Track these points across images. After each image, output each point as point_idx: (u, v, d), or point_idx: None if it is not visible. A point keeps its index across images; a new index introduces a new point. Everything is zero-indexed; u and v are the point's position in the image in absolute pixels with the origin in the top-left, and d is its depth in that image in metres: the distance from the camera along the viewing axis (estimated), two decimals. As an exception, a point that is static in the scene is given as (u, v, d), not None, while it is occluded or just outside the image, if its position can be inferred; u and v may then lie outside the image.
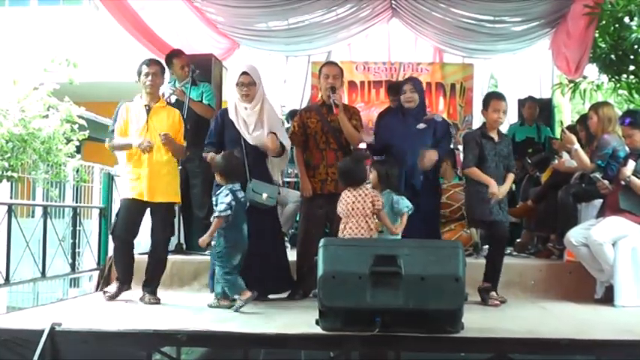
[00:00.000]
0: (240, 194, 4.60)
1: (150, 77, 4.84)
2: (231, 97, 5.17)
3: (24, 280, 5.70)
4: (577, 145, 5.42)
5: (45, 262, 5.49)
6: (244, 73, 4.97)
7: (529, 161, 7.15)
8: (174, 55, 6.39)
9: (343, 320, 3.60)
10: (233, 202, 4.50)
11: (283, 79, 9.50)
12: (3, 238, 5.15)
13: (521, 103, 7.98)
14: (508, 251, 6.46)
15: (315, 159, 5.17)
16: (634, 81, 7.11)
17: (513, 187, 7.36)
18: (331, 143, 5.16)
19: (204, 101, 6.19)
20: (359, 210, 4.38)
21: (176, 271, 5.57)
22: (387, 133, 5.26)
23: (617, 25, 6.81)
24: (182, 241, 6.14)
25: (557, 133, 7.48)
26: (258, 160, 4.98)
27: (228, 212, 4.48)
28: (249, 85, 4.95)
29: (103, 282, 5.65)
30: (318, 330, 3.66)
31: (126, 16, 6.59)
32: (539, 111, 7.87)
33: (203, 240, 4.59)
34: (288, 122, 8.37)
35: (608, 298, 4.94)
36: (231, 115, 4.99)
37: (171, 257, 5.75)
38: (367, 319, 3.52)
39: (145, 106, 4.89)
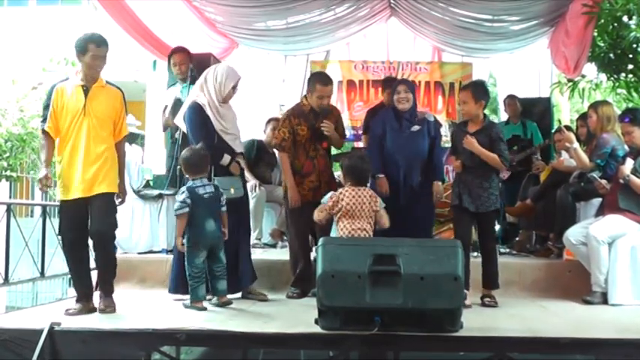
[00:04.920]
0: (203, 190, 4.54)
1: (97, 62, 4.36)
2: (197, 92, 5.00)
3: (23, 280, 5.71)
4: (576, 144, 5.43)
5: (44, 262, 5.50)
6: (240, 79, 5.01)
7: (514, 164, 7.31)
8: (171, 52, 6.40)
9: (342, 320, 3.60)
10: (188, 200, 4.49)
11: (282, 79, 9.51)
12: (2, 238, 5.16)
13: (503, 101, 8.08)
14: (507, 250, 6.51)
15: (306, 167, 5.14)
16: (633, 80, 7.11)
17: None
18: (319, 150, 5.16)
19: None
20: (365, 211, 4.40)
21: (175, 270, 5.56)
22: (380, 131, 5.20)
23: (615, 24, 6.81)
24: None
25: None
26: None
27: (185, 210, 4.47)
28: (236, 90, 5.01)
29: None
30: (317, 329, 3.66)
31: (124, 16, 6.58)
32: (529, 108, 7.98)
33: (177, 242, 4.59)
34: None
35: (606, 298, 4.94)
36: (208, 111, 4.91)
37: (170, 257, 5.74)
38: (366, 319, 3.52)
39: (83, 87, 4.37)
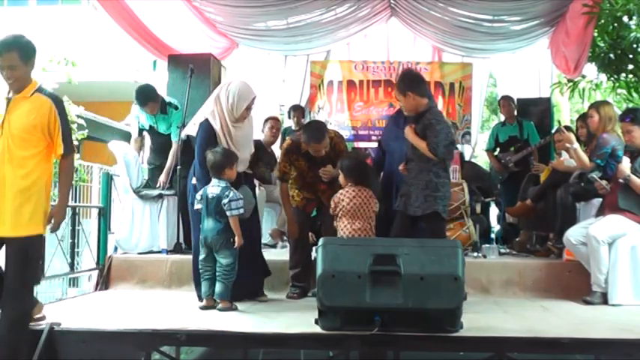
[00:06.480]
0: (210, 189, 4.55)
1: (5, 72, 3.60)
2: (211, 108, 4.77)
3: (23, 280, 5.68)
4: (576, 144, 5.43)
5: (44, 262, 5.48)
6: (255, 98, 4.82)
7: (511, 164, 7.49)
8: (140, 104, 6.19)
9: (343, 319, 3.61)
10: (198, 196, 4.61)
11: (282, 79, 9.52)
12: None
13: (498, 102, 8.18)
14: (507, 250, 6.52)
15: (304, 186, 5.20)
16: (633, 80, 7.12)
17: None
18: (319, 177, 5.09)
19: (172, 135, 6.23)
20: (365, 211, 4.41)
21: (175, 270, 5.57)
22: (385, 137, 5.30)
23: (615, 25, 6.81)
24: (181, 240, 6.13)
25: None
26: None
27: (197, 206, 4.62)
28: (251, 109, 4.83)
29: (102, 282, 5.65)
30: (317, 329, 3.66)
31: (124, 16, 6.58)
32: (529, 109, 8.06)
33: None
34: (289, 117, 8.41)
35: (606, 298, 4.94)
36: (219, 133, 4.71)
37: (170, 257, 5.77)
38: (366, 319, 3.52)
39: (6, 98, 3.66)
